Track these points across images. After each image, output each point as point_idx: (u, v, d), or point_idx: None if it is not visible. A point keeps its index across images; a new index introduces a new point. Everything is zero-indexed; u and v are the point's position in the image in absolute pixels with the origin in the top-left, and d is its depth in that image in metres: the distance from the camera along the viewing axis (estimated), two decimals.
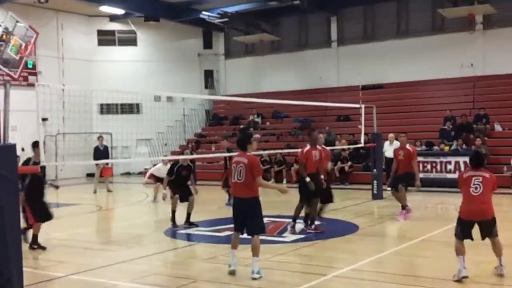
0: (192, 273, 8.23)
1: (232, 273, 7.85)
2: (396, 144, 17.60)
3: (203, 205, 14.77)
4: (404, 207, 12.79)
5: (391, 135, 18.43)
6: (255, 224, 7.88)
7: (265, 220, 12.07)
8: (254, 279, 7.60)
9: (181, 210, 12.24)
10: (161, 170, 16.26)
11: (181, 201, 12.14)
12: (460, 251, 7.25)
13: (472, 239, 7.33)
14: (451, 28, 25.08)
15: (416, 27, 26.20)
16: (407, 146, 13.15)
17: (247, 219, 7.87)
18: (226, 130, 28.62)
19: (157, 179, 16.29)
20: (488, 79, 23.89)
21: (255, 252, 7.78)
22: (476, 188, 7.26)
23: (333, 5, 27.37)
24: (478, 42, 24.38)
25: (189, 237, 11.11)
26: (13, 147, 7.20)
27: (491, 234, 7.33)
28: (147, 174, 17.79)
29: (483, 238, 7.37)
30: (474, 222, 7.28)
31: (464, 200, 7.39)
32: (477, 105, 22.89)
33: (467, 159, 18.19)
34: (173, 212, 12.09)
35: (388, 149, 17.99)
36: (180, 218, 12.14)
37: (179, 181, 12.11)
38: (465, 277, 7.15)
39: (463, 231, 7.31)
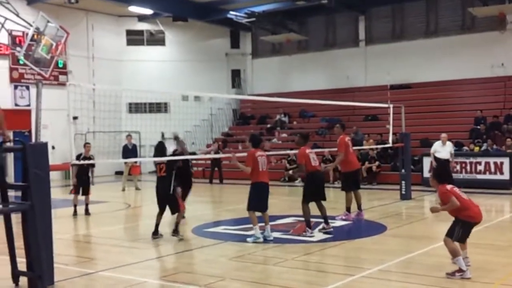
0: (219, 271, 8.26)
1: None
2: (449, 144, 17.23)
3: (230, 204, 14.84)
4: None
5: (443, 135, 17.21)
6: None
7: (292, 219, 12.16)
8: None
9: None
10: None
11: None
12: (459, 252, 7.58)
13: None
14: (481, 27, 24.74)
15: (445, 26, 25.90)
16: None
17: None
18: (253, 129, 28.66)
19: None
20: None
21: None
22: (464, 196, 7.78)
23: (361, 4, 27.21)
24: (509, 42, 23.99)
25: (216, 236, 11.15)
26: (45, 145, 7.32)
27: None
28: None
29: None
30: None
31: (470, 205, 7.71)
32: (507, 105, 22.53)
33: (497, 159, 18.21)
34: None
35: (440, 150, 17.02)
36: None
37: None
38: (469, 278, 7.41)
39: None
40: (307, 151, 11.06)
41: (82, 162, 13.20)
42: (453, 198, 7.52)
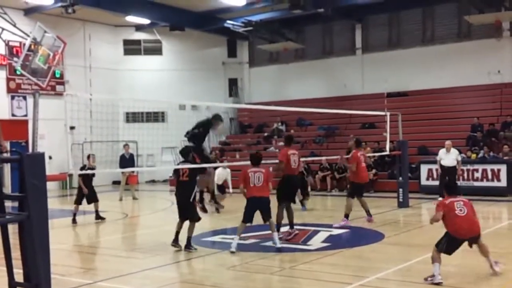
0: (217, 281, 8.24)
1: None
2: (455, 151, 17.33)
3: (228, 213, 14.83)
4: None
5: (448, 142, 17.41)
6: None
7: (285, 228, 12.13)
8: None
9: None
10: (220, 175, 16.74)
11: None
12: (437, 259, 7.79)
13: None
14: (477, 35, 24.84)
15: (442, 34, 25.99)
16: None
17: None
18: (250, 138, 28.67)
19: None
20: None
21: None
22: (460, 210, 7.90)
23: (358, 13, 27.29)
24: (505, 49, 24.10)
25: (214, 245, 11.13)
26: (42, 155, 7.30)
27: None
28: None
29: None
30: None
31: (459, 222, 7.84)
32: (504, 112, 22.58)
33: (494, 166, 18.22)
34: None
35: (444, 157, 17.22)
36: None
37: None
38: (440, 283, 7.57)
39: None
40: (290, 152, 11.20)
41: (88, 171, 13.96)
42: (437, 213, 7.90)
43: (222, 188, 17.06)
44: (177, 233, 10.54)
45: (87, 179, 14.55)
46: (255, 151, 12.44)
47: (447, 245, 7.81)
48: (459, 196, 8.16)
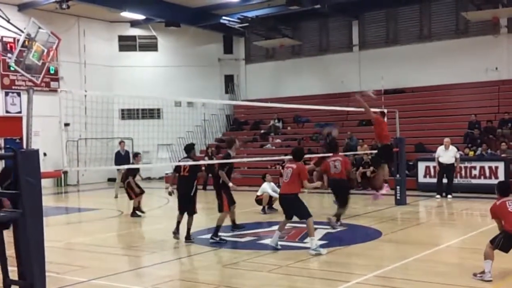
0: (213, 278, 8.17)
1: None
2: (453, 149, 17.45)
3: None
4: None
5: (447, 139, 17.69)
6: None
7: (287, 225, 12.04)
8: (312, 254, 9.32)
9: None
10: None
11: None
12: (490, 256, 7.61)
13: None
14: (475, 32, 24.79)
15: (439, 31, 25.94)
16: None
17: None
18: (246, 135, 28.59)
19: None
20: None
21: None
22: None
23: (355, 9, 27.21)
24: (503, 46, 24.06)
25: (210, 243, 11.05)
26: (36, 152, 7.21)
27: None
28: None
29: None
30: None
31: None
32: (502, 109, 22.57)
33: (492, 164, 18.20)
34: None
35: (443, 155, 17.45)
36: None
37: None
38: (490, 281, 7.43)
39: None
40: (330, 160, 12.26)
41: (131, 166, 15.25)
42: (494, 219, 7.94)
43: None
44: (178, 223, 11.06)
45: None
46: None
47: (504, 241, 7.65)
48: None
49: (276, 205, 13.85)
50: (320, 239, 10.90)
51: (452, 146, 17.68)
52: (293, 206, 9.91)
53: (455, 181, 18.04)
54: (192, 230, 11.49)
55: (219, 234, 10.91)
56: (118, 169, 20.65)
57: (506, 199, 7.85)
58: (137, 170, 15.53)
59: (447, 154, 17.41)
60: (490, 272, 7.49)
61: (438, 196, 17.39)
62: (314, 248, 9.47)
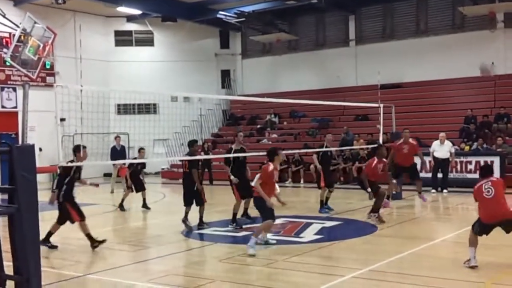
0: (209, 273, 8.19)
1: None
2: (448, 143, 17.58)
3: (220, 206, 14.76)
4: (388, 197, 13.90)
5: (442, 134, 17.84)
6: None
7: (283, 220, 12.07)
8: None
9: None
10: None
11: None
12: (473, 243, 7.94)
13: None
14: (471, 27, 24.80)
15: (436, 26, 25.95)
16: (410, 140, 14.97)
17: None
18: (243, 130, 28.55)
19: None
20: (509, 78, 23.59)
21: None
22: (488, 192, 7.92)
23: (351, 4, 27.22)
24: (499, 41, 24.08)
25: (206, 238, 11.07)
26: (31, 147, 7.20)
27: None
28: None
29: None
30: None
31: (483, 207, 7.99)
32: (498, 104, 22.59)
33: (488, 158, 18.25)
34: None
35: (438, 149, 17.59)
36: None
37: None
38: (475, 266, 7.76)
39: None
40: (373, 164, 12.56)
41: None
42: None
43: None
44: (187, 213, 11.65)
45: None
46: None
47: (478, 226, 7.94)
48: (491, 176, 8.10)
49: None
50: (315, 234, 10.94)
51: (447, 141, 17.79)
52: (259, 207, 9.52)
53: (451, 175, 18.08)
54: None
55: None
56: (114, 164, 20.65)
57: (483, 182, 7.99)
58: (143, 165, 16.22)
59: (442, 148, 17.53)
60: (474, 258, 7.74)
61: (433, 190, 17.42)
62: (251, 245, 9.11)
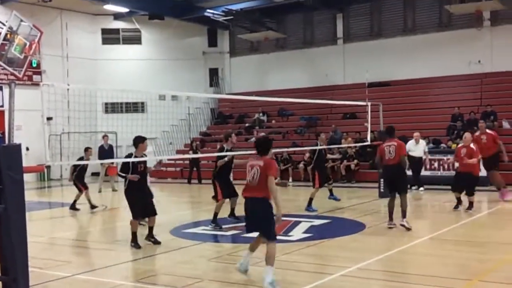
0: (198, 272, 8.16)
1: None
2: (422, 143, 17.79)
3: (209, 204, 14.73)
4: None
5: (416, 134, 18.11)
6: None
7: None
8: None
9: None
10: None
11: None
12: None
13: None
14: (458, 25, 24.96)
15: (423, 24, 26.08)
16: (488, 131, 15.27)
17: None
18: (232, 128, 28.55)
19: None
20: (496, 76, 23.76)
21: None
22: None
23: (339, 2, 27.30)
24: (486, 39, 24.25)
25: (195, 237, 11.04)
26: (18, 146, 7.15)
27: None
28: None
29: None
30: None
31: None
32: (484, 101, 22.75)
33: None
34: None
35: (413, 149, 17.76)
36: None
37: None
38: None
39: None
40: (385, 144, 11.49)
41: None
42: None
43: None
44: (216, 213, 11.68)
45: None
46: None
47: None
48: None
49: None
50: (304, 232, 10.94)
51: (422, 140, 18.22)
52: (262, 217, 7.30)
53: (438, 173, 18.22)
54: (176, 224, 11.50)
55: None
56: (101, 164, 20.54)
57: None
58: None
59: (417, 148, 17.94)
60: None
61: (414, 188, 17.66)
62: (270, 282, 7.04)
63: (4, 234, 6.75)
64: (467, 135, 13.67)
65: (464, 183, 13.22)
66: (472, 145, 13.52)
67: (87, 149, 15.50)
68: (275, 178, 7.36)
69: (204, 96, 29.75)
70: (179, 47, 30.46)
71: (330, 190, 14.54)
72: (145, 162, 10.14)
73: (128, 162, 9.82)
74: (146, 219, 10.28)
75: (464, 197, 13.22)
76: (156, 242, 10.09)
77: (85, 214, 14.92)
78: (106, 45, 29.58)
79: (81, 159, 15.51)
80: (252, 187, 7.29)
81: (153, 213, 10.09)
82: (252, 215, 7.42)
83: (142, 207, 9.90)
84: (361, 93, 22.32)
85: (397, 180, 11.16)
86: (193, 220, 13.17)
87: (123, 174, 9.87)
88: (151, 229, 10.15)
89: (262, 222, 7.27)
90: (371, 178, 19.01)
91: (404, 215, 10.96)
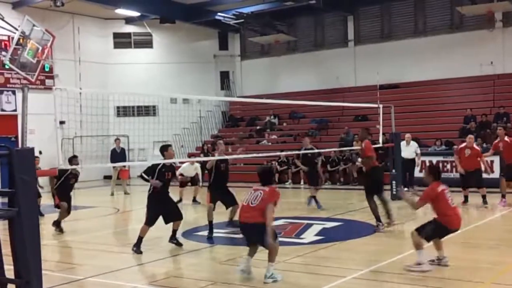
0: (210, 275, 8.18)
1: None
2: (414, 144, 17.83)
3: (221, 207, 14.73)
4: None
5: (407, 135, 18.34)
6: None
7: (283, 221, 12.07)
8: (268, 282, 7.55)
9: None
10: (186, 169, 16.68)
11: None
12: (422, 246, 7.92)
13: None
14: (470, 26, 24.80)
15: (434, 25, 25.95)
16: (506, 138, 14.84)
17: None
18: (242, 131, 28.58)
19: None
20: (508, 77, 23.57)
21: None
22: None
23: (349, 4, 27.21)
24: (498, 40, 24.08)
25: (205, 240, 11.05)
26: (31, 150, 7.20)
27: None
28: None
29: None
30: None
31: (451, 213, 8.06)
32: (497, 103, 22.60)
33: (487, 158, 18.20)
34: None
35: (405, 150, 17.89)
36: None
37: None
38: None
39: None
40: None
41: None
42: (428, 203, 8.06)
43: (194, 180, 17.13)
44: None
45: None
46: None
47: (433, 233, 7.97)
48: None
49: None
50: (316, 235, 10.93)
51: (413, 142, 18.39)
52: (261, 239, 7.61)
53: (451, 175, 18.10)
54: (188, 227, 11.53)
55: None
56: (114, 167, 20.64)
57: (444, 189, 8.07)
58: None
59: (408, 149, 18.08)
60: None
61: (406, 189, 17.39)
62: (269, 276, 7.61)
63: (17, 237, 6.80)
64: (471, 136, 14.81)
65: (472, 178, 14.23)
66: (475, 146, 14.61)
67: (71, 159, 13.55)
68: (274, 205, 7.72)
69: (215, 99, 29.79)
70: (190, 51, 30.54)
71: (314, 197, 14.96)
72: (173, 169, 10.24)
73: (154, 166, 9.90)
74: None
75: (474, 197, 13.22)
76: (179, 244, 10.22)
77: (96, 218, 14.97)
78: (117, 49, 29.70)
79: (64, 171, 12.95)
80: (251, 207, 7.64)
81: (179, 217, 10.22)
82: (250, 239, 7.97)
83: (164, 214, 10.06)
84: (372, 95, 22.22)
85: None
86: (205, 223, 13.16)
87: (146, 177, 9.92)
88: (174, 232, 10.28)
89: (261, 241, 7.67)
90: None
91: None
